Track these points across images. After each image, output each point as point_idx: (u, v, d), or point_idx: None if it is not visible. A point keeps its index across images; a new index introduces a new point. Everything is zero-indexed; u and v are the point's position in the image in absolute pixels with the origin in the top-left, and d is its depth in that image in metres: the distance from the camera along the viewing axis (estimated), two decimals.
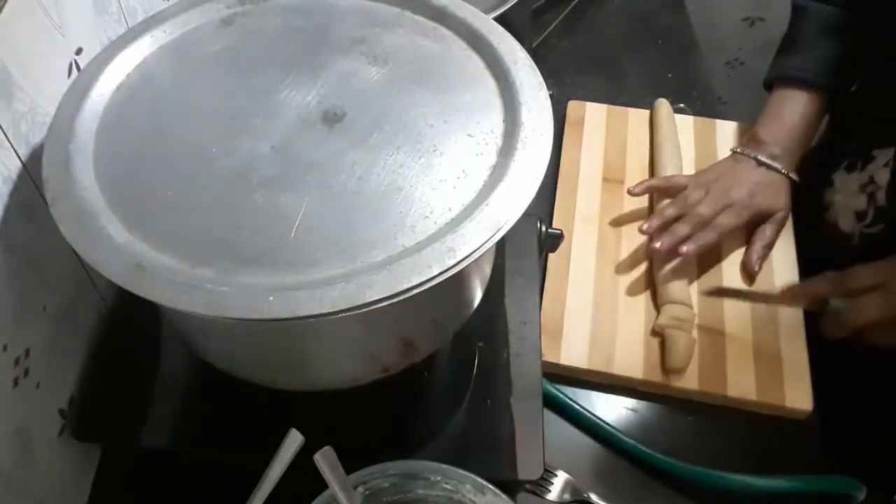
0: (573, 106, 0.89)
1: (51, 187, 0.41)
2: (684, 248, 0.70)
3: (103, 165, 0.43)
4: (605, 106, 0.89)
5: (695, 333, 0.68)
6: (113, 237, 0.39)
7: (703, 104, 0.90)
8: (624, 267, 0.73)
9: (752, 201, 0.74)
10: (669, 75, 0.95)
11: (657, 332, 0.68)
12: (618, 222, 0.77)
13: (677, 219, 0.73)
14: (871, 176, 0.72)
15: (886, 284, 0.61)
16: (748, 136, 0.78)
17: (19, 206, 0.46)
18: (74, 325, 0.55)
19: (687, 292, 0.70)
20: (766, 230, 0.74)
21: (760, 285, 0.73)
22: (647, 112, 0.87)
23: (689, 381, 0.65)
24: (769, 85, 0.80)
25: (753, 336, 0.68)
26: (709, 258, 0.74)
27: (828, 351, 0.67)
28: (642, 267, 0.73)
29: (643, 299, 0.71)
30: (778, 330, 0.68)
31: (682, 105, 0.88)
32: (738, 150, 0.77)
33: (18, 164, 0.46)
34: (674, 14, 1.06)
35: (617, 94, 0.92)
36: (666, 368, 0.66)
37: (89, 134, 0.45)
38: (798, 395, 0.64)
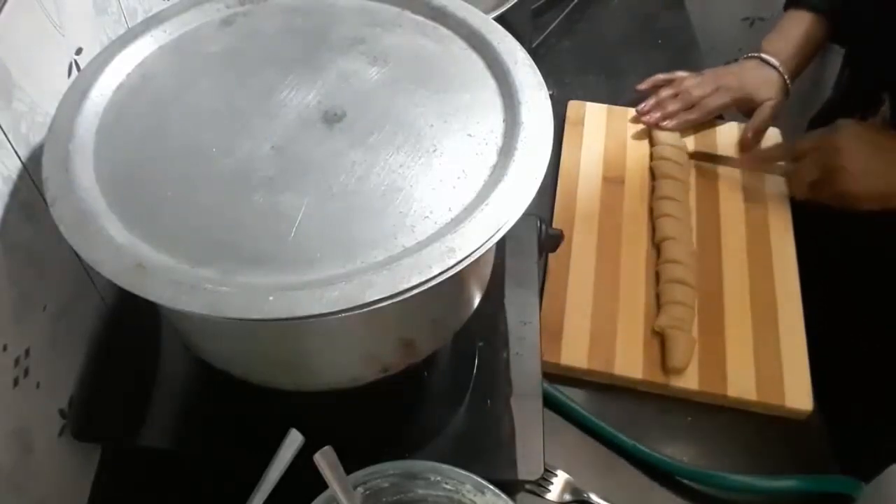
0: (573, 106, 0.89)
1: (51, 187, 0.41)
2: (667, 124, 0.84)
3: (103, 165, 0.43)
4: (605, 106, 0.89)
5: (695, 333, 0.68)
6: (113, 237, 0.39)
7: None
8: (624, 267, 0.73)
9: (741, 84, 0.84)
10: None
11: (657, 332, 0.68)
12: (618, 222, 0.77)
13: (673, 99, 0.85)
14: (884, 117, 0.77)
15: (820, 148, 0.72)
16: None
17: (19, 206, 0.47)
18: (74, 325, 0.55)
19: (687, 293, 0.70)
20: (764, 109, 0.83)
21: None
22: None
23: (689, 381, 0.65)
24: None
25: (753, 336, 0.68)
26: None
27: (828, 351, 0.68)
28: (642, 267, 0.73)
29: (643, 299, 0.71)
30: (778, 330, 0.68)
31: None
32: (742, 57, 0.87)
33: (18, 164, 0.46)
34: (674, 14, 1.06)
35: (617, 94, 0.92)
36: (666, 368, 0.66)
37: (89, 134, 0.45)
38: (798, 395, 0.64)
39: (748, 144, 0.83)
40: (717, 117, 0.87)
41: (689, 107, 0.85)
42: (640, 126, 0.87)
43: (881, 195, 0.69)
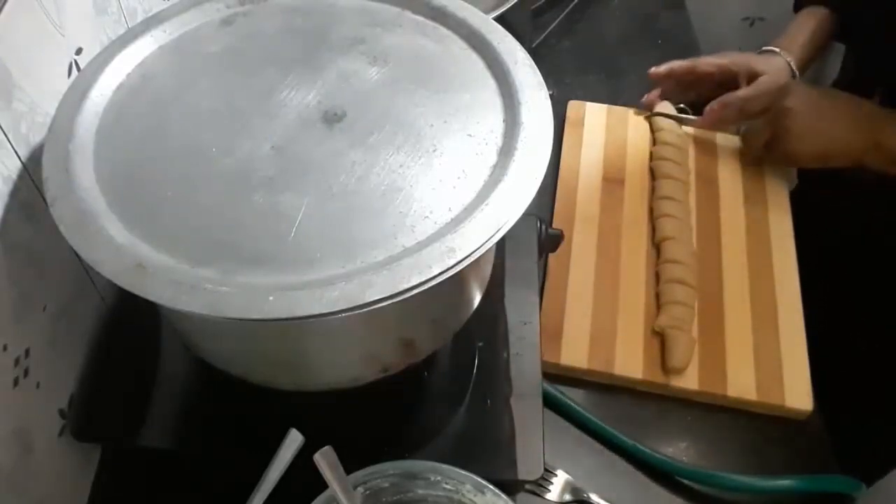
0: (573, 106, 0.89)
1: (51, 187, 0.41)
2: (658, 69, 0.86)
3: (103, 165, 0.43)
4: (605, 106, 0.89)
5: (695, 333, 0.68)
6: (113, 237, 0.39)
7: (703, 104, 0.90)
8: (624, 267, 0.73)
9: (742, 54, 0.85)
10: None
11: (657, 332, 0.68)
12: (618, 222, 0.77)
13: None
14: None
15: (772, 108, 0.75)
16: None
17: (19, 206, 0.47)
18: (74, 325, 0.55)
19: (687, 293, 0.70)
20: (759, 83, 0.81)
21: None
22: (647, 112, 0.88)
23: (689, 381, 0.65)
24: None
25: (753, 336, 0.68)
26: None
27: (828, 351, 0.68)
28: (642, 267, 0.73)
29: (643, 299, 0.71)
30: (778, 330, 0.68)
31: (682, 105, 0.88)
32: None
33: (18, 164, 0.46)
34: (674, 14, 1.05)
35: (617, 94, 0.92)
36: (666, 368, 0.66)
37: (89, 134, 0.45)
38: (798, 395, 0.64)
39: (710, 116, 0.83)
40: None
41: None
42: (641, 126, 0.86)
43: (821, 154, 0.73)
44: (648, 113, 0.87)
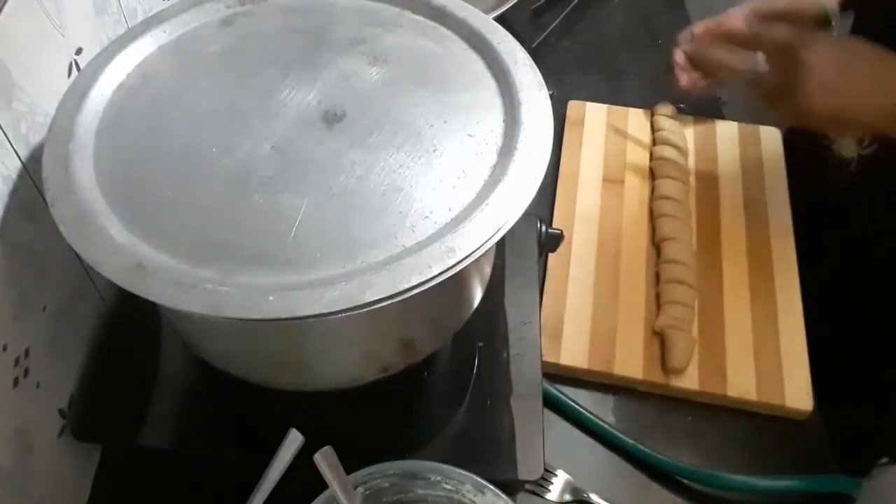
0: (573, 106, 0.89)
1: (51, 187, 0.41)
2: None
3: (103, 165, 0.43)
4: (605, 106, 0.89)
5: (695, 333, 0.68)
6: (113, 237, 0.39)
7: (703, 104, 0.90)
8: (624, 267, 0.73)
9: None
10: (669, 75, 0.95)
11: (657, 332, 0.68)
12: (618, 222, 0.77)
13: None
14: None
15: (785, 55, 0.64)
16: None
17: (19, 206, 0.47)
18: (74, 325, 0.55)
19: (687, 293, 0.70)
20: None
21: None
22: (647, 112, 0.88)
23: (689, 381, 0.65)
24: None
25: (753, 336, 0.68)
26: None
27: (828, 351, 0.68)
28: (642, 267, 0.73)
29: (643, 299, 0.71)
30: (778, 330, 0.68)
31: (682, 105, 0.88)
32: None
33: (18, 164, 0.46)
34: (674, 14, 1.05)
35: (617, 94, 0.92)
36: (666, 368, 0.66)
37: (89, 134, 0.45)
38: (798, 395, 0.64)
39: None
40: (719, 117, 0.87)
41: None
42: (641, 126, 0.87)
43: (834, 115, 0.65)
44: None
